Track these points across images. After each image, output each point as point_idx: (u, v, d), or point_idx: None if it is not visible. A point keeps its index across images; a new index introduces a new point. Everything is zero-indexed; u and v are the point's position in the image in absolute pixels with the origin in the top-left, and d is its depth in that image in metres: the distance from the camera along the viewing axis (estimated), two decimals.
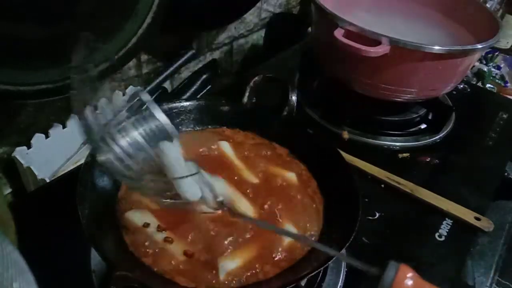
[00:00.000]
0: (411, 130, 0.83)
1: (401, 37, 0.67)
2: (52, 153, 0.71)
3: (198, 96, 0.91)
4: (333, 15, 0.72)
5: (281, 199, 0.52)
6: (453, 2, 0.88)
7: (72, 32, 0.57)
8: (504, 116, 0.91)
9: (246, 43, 1.12)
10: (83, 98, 0.39)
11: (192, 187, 0.41)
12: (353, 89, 0.80)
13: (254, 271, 0.45)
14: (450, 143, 0.82)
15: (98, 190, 0.49)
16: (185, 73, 0.95)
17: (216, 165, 0.55)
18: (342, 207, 0.50)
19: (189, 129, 0.61)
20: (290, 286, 0.42)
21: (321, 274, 0.53)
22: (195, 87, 0.91)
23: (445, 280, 0.56)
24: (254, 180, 0.55)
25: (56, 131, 0.71)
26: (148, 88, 0.84)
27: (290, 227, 0.49)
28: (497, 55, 1.24)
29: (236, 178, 0.54)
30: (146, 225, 0.47)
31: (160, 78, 0.86)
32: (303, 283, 0.51)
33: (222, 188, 0.47)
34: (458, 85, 0.93)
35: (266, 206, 0.51)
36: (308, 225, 0.50)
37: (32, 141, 0.69)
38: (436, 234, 0.62)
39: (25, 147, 0.68)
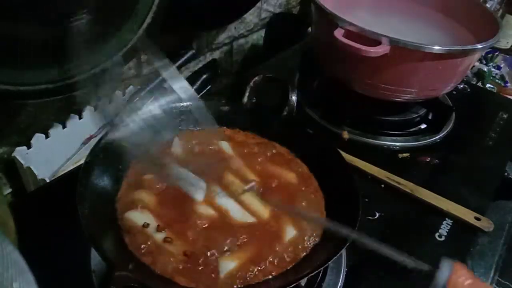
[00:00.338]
0: (411, 130, 0.83)
1: (401, 37, 0.67)
2: (52, 153, 0.71)
3: (198, 96, 0.91)
4: (333, 15, 0.72)
5: (281, 199, 0.52)
6: (453, 2, 0.88)
7: (72, 32, 0.57)
8: (504, 116, 0.91)
9: (246, 43, 1.12)
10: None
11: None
12: (353, 89, 0.80)
13: (254, 271, 0.45)
14: (450, 143, 0.82)
15: (98, 190, 0.49)
16: (185, 73, 0.95)
17: (216, 165, 0.55)
18: (342, 207, 0.50)
19: (189, 129, 0.61)
20: (291, 286, 0.42)
21: (321, 274, 0.53)
22: (195, 87, 0.91)
23: None
24: (255, 180, 0.55)
25: (56, 131, 0.71)
26: (148, 88, 0.84)
27: (291, 227, 0.49)
28: (497, 55, 1.24)
29: (236, 178, 0.54)
30: (146, 225, 0.47)
31: (160, 78, 0.86)
32: (303, 283, 0.51)
33: None
34: (458, 85, 0.93)
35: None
36: (308, 225, 0.50)
37: (32, 141, 0.69)
38: (436, 234, 0.62)
39: (25, 147, 0.68)
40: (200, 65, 0.98)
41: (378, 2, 0.92)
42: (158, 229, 0.47)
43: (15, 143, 0.68)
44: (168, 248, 0.45)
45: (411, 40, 0.67)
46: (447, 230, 0.62)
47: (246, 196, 0.51)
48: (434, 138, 0.81)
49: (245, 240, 0.47)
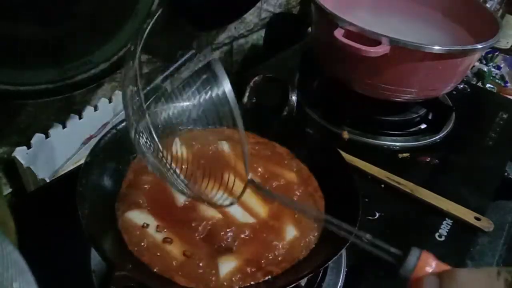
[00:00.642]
0: (411, 130, 0.83)
1: (401, 37, 0.67)
2: (52, 153, 0.71)
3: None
4: (333, 15, 0.72)
5: None
6: (453, 2, 0.88)
7: (72, 32, 0.57)
8: (504, 116, 0.91)
9: (246, 43, 1.12)
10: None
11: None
12: (353, 89, 0.80)
13: (253, 272, 0.45)
14: (450, 143, 0.82)
15: (98, 190, 0.49)
16: (185, 73, 0.95)
17: (216, 164, 0.55)
18: (342, 207, 0.50)
19: (189, 129, 0.61)
20: (291, 286, 0.42)
21: (321, 274, 0.53)
22: (195, 87, 0.91)
23: None
24: (255, 179, 0.55)
25: (56, 131, 0.71)
26: (148, 88, 0.84)
27: (291, 227, 0.49)
28: (497, 55, 1.24)
29: (236, 178, 0.54)
30: (146, 225, 0.47)
31: (160, 78, 0.86)
32: (303, 283, 0.51)
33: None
34: (458, 85, 0.93)
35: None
36: (309, 225, 0.50)
37: (32, 141, 0.69)
38: (436, 234, 0.62)
39: (25, 147, 0.68)
40: (200, 65, 0.98)
41: (378, 2, 0.92)
42: (158, 229, 0.47)
43: (15, 143, 0.68)
44: (168, 248, 0.45)
45: (411, 40, 0.67)
46: (447, 230, 0.62)
47: (246, 196, 0.51)
48: (434, 138, 0.82)
49: (245, 240, 0.47)
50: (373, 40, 0.67)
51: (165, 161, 0.41)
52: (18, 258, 0.25)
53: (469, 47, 0.73)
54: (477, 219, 0.64)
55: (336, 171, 0.55)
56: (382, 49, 0.67)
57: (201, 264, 0.44)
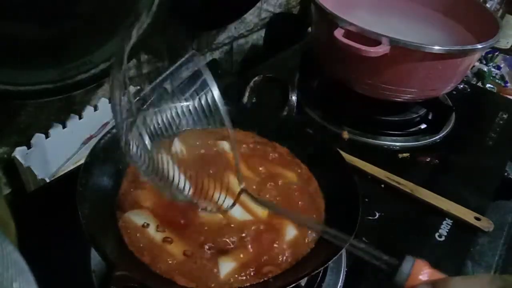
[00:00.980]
0: (411, 130, 0.83)
1: (401, 37, 0.67)
2: (52, 153, 0.71)
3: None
4: (333, 15, 0.72)
5: (281, 198, 0.52)
6: (453, 2, 0.88)
7: (72, 32, 0.57)
8: (504, 116, 0.91)
9: (246, 43, 1.12)
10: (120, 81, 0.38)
11: None
12: (353, 89, 0.80)
13: (254, 272, 0.45)
14: (450, 143, 0.82)
15: (98, 190, 0.49)
16: (185, 73, 0.95)
17: (216, 164, 0.55)
18: (342, 207, 0.50)
19: (189, 129, 0.61)
20: (291, 286, 0.42)
21: (321, 274, 0.53)
22: (195, 87, 0.91)
23: None
24: (255, 179, 0.55)
25: (56, 131, 0.71)
26: (148, 88, 0.84)
27: (291, 227, 0.49)
28: (497, 55, 1.24)
29: (236, 178, 0.54)
30: (146, 225, 0.47)
31: (160, 78, 0.86)
32: (303, 283, 0.51)
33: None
34: (458, 85, 0.93)
35: None
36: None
37: (32, 141, 0.69)
38: (436, 234, 0.62)
39: (25, 147, 0.68)
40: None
41: (378, 2, 0.92)
42: (158, 229, 0.47)
43: (15, 143, 0.68)
44: (168, 248, 0.45)
45: (411, 40, 0.67)
46: (447, 230, 0.62)
47: (245, 197, 0.51)
48: (434, 138, 0.82)
49: (245, 240, 0.47)
50: (373, 40, 0.67)
51: (156, 171, 0.40)
52: (18, 258, 0.25)
53: (469, 47, 0.73)
54: (477, 219, 0.64)
55: (336, 171, 0.55)
56: (382, 49, 0.67)
57: (201, 264, 0.44)
